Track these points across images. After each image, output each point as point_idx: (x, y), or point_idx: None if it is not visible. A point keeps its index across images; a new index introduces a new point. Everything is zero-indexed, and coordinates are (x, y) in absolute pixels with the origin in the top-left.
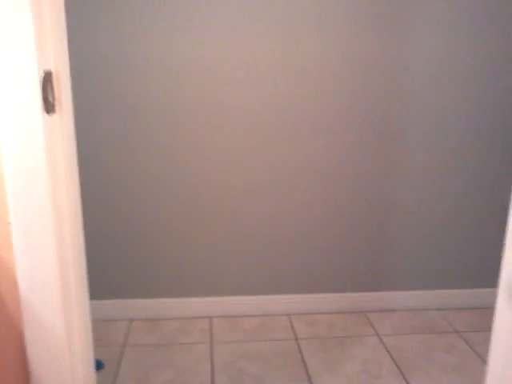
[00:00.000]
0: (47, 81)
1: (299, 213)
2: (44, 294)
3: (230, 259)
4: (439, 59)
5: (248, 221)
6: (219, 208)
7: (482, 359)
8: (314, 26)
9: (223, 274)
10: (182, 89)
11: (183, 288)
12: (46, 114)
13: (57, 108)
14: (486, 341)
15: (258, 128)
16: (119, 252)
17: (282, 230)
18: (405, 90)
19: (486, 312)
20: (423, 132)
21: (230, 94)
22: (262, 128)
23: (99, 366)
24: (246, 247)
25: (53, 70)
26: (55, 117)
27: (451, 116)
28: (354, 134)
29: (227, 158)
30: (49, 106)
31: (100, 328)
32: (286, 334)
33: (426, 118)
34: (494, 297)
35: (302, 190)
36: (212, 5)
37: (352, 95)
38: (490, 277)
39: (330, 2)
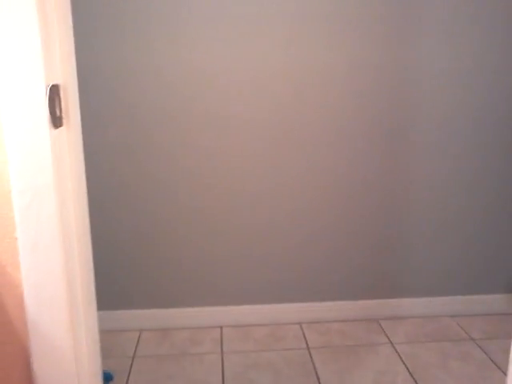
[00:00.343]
0: (54, 94)
1: (309, 219)
2: (51, 310)
3: (239, 268)
4: (448, 64)
5: (257, 228)
6: (228, 216)
7: (500, 368)
8: (319, 32)
9: (233, 282)
10: (188, 97)
11: (193, 297)
12: (53, 129)
13: (64, 121)
14: (503, 349)
15: (262, 134)
16: (129, 262)
17: (291, 236)
18: (413, 95)
19: (503, 318)
20: (432, 137)
21: (235, 100)
22: (266, 134)
23: (108, 377)
24: (256, 255)
25: (60, 83)
26: (63, 131)
27: (461, 119)
28: (361, 140)
29: (234, 166)
30: (56, 120)
31: (109, 339)
32: (298, 343)
33: (434, 122)
34: (510, 303)
35: (311, 195)
36: (216, 12)
37: (359, 101)
38: (505, 282)
39: (336, 8)
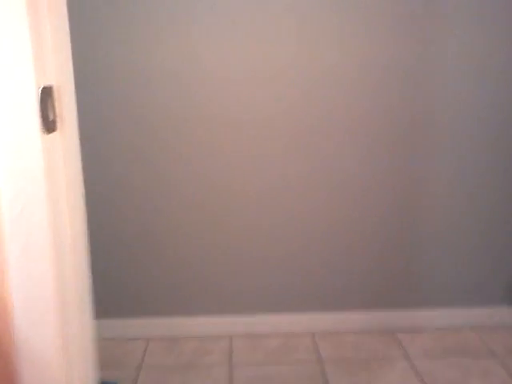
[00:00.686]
0: (47, 96)
1: (321, 226)
2: (41, 326)
3: (250, 275)
4: (466, 63)
5: (269, 235)
6: (238, 223)
7: None
8: (329, 30)
9: (243, 290)
10: (191, 96)
11: (202, 306)
12: (45, 134)
13: (58, 125)
14: None
15: (271, 136)
16: (136, 269)
17: (304, 244)
18: (424, 96)
19: None
20: (448, 140)
21: (242, 100)
22: (274, 136)
23: None
24: (267, 263)
25: (54, 85)
26: (56, 135)
27: (472, 121)
28: (370, 143)
29: (242, 171)
30: (49, 125)
31: (116, 348)
32: (310, 355)
33: (450, 125)
34: None
35: (323, 200)
36: (224, 11)
37: (368, 102)
38: None
39: (345, 5)
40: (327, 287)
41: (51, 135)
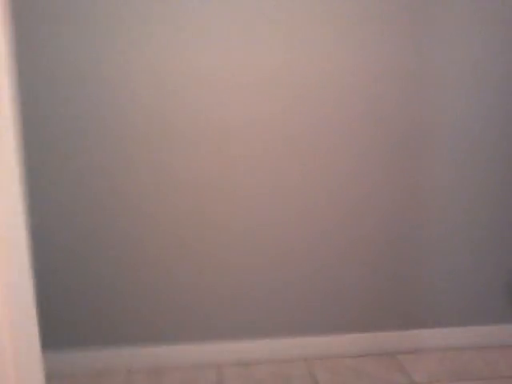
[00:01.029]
0: None
1: (316, 245)
2: None
3: (239, 298)
4: (472, 65)
5: (258, 255)
6: (225, 244)
7: None
8: (326, 33)
9: (232, 315)
10: (180, 101)
11: (187, 332)
12: None
13: None
14: None
15: (267, 147)
16: (114, 293)
17: (296, 263)
18: (428, 102)
19: None
20: (452, 146)
21: (235, 105)
22: (271, 147)
23: None
24: (258, 284)
25: None
26: None
27: (484, 129)
28: (370, 149)
29: (234, 187)
30: None
31: (94, 382)
32: (305, 382)
33: (454, 132)
34: None
35: (320, 219)
36: (216, 10)
37: (367, 106)
38: None
39: (342, 7)
40: (321, 308)
41: None
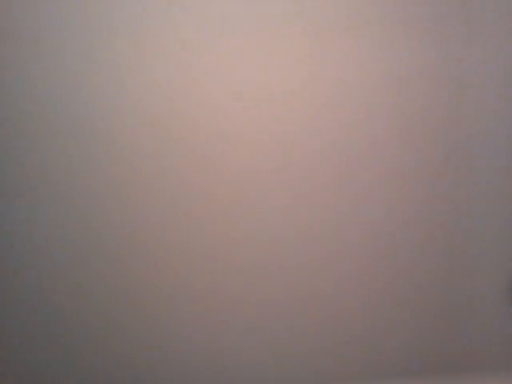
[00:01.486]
0: None
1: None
2: None
3: (223, 344)
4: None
5: (245, 292)
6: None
7: None
8: (345, 34)
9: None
10: (184, 112)
11: None
12: None
13: None
14: None
15: (275, 157)
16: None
17: (294, 317)
18: (462, 115)
19: None
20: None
21: (240, 124)
22: (287, 160)
23: None
24: (245, 323)
25: None
26: None
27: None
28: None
29: (232, 223)
30: None
31: None
32: None
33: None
34: None
35: (325, 260)
36: (220, 16)
37: (387, 121)
38: None
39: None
40: (331, 355)
41: None
